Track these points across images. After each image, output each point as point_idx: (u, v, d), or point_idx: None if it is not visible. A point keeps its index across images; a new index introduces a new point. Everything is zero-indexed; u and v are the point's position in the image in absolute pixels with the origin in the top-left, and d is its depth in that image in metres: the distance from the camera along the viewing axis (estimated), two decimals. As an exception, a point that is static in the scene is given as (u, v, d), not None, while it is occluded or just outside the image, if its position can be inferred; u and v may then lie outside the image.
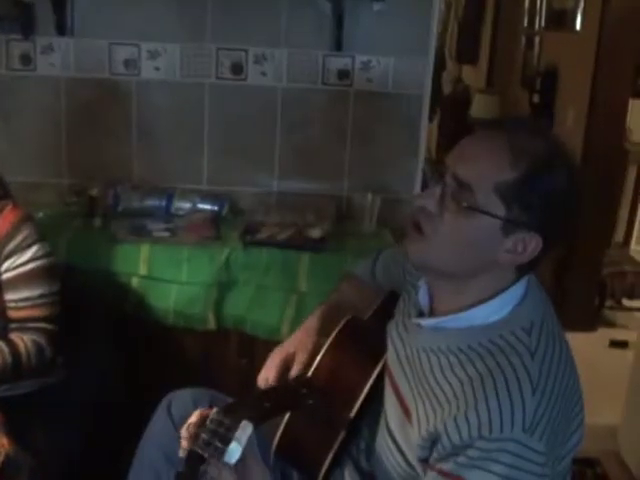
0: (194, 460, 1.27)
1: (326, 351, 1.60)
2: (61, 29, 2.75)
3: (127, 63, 2.79)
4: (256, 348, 2.51)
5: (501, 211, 1.25)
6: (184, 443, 1.35)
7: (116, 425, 2.21)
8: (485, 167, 1.26)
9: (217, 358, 2.56)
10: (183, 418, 1.43)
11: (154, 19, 2.75)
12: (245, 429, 1.28)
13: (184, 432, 1.36)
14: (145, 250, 2.48)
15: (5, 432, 1.77)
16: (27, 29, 2.76)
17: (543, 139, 1.29)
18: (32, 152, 2.86)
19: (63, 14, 2.74)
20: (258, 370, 2.48)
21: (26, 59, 2.80)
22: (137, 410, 1.84)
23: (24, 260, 1.97)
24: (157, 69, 2.80)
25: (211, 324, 2.50)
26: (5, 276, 1.97)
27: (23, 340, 1.96)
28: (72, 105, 2.83)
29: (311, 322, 1.79)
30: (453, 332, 1.34)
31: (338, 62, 2.78)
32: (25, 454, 1.78)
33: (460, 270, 1.33)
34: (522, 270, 1.33)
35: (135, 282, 2.49)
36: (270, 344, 2.40)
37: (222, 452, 1.26)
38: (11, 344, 1.94)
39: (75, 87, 2.81)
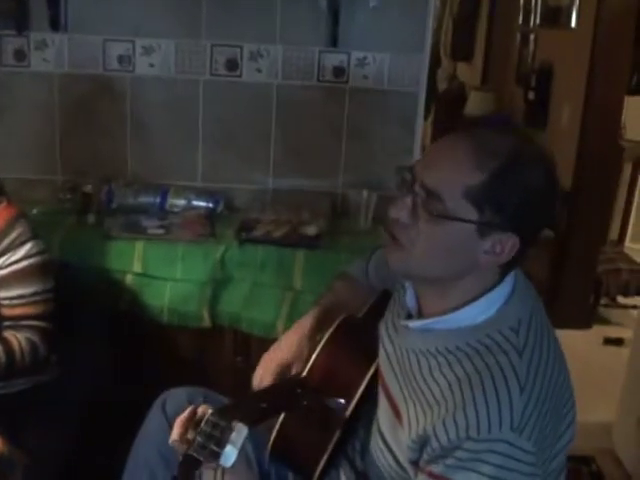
0: (190, 464, 1.25)
1: (321, 350, 1.58)
2: (55, 25, 2.74)
3: (121, 59, 2.78)
4: (251, 346, 2.50)
5: (473, 215, 1.24)
6: (174, 434, 1.35)
7: (110, 423, 2.20)
8: (451, 173, 1.25)
9: (212, 356, 2.55)
10: (178, 416, 1.42)
11: (149, 15, 2.74)
12: (240, 432, 1.27)
13: (175, 426, 1.36)
14: (139, 247, 2.47)
15: (-1, 431, 1.76)
16: (21, 25, 2.74)
17: (510, 138, 1.28)
18: (26, 148, 2.84)
19: (57, 10, 2.72)
20: (253, 368, 2.47)
21: (20, 55, 2.78)
22: (132, 408, 1.83)
23: (17, 258, 1.96)
24: (152, 65, 2.78)
25: (206, 322, 2.49)
26: (-2, 274, 1.96)
27: (17, 338, 1.94)
28: (66, 101, 2.81)
29: (305, 322, 1.77)
30: (441, 333, 1.34)
31: (334, 59, 2.76)
32: (19, 453, 1.77)
33: (442, 275, 1.32)
34: (505, 269, 1.32)
35: (129, 279, 2.48)
36: (265, 342, 2.39)
37: (218, 455, 1.24)
38: (4, 342, 1.93)
39: (69, 83, 2.80)
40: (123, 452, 1.77)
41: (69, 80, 2.80)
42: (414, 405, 1.34)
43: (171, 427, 1.59)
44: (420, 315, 1.41)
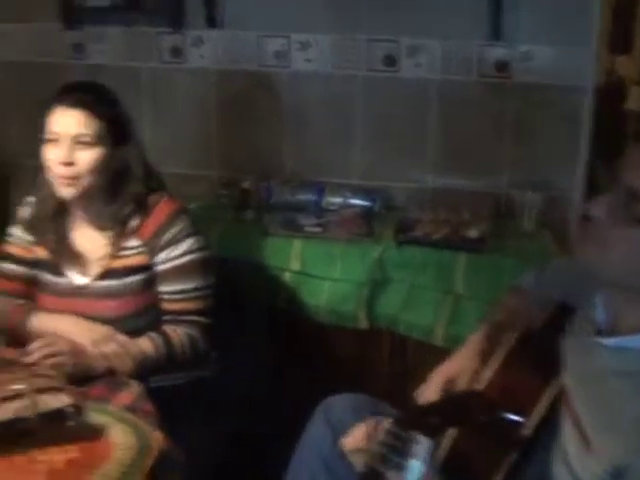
0: (371, 476, 1.20)
1: (500, 365, 1.50)
2: (211, 22, 2.79)
3: (277, 55, 2.79)
4: (408, 349, 2.45)
5: None
6: (352, 443, 1.36)
7: (265, 423, 2.18)
8: None
9: (369, 357, 2.51)
10: (342, 423, 1.44)
11: (304, 10, 2.73)
12: (424, 445, 1.21)
13: (354, 435, 1.34)
14: (297, 245, 2.46)
15: (158, 426, 1.69)
16: (176, 22, 2.81)
17: None
18: (183, 144, 2.90)
19: (213, 7, 2.78)
20: (410, 372, 2.42)
21: (176, 51, 2.85)
22: (287, 408, 1.80)
23: (179, 253, 1.96)
24: (308, 61, 2.77)
25: (362, 323, 2.44)
26: (160, 268, 1.97)
27: (177, 332, 1.95)
28: (222, 97, 2.85)
29: (475, 339, 1.68)
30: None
31: (496, 52, 2.66)
32: (177, 450, 1.73)
33: (636, 282, 1.21)
34: None
35: (287, 277, 2.47)
36: (423, 345, 2.34)
37: (402, 468, 1.19)
38: (165, 336, 1.93)
39: (225, 79, 2.84)
40: (279, 453, 1.74)
41: (225, 76, 2.83)
42: (608, 432, 1.22)
43: (335, 435, 1.56)
44: (613, 331, 1.30)
